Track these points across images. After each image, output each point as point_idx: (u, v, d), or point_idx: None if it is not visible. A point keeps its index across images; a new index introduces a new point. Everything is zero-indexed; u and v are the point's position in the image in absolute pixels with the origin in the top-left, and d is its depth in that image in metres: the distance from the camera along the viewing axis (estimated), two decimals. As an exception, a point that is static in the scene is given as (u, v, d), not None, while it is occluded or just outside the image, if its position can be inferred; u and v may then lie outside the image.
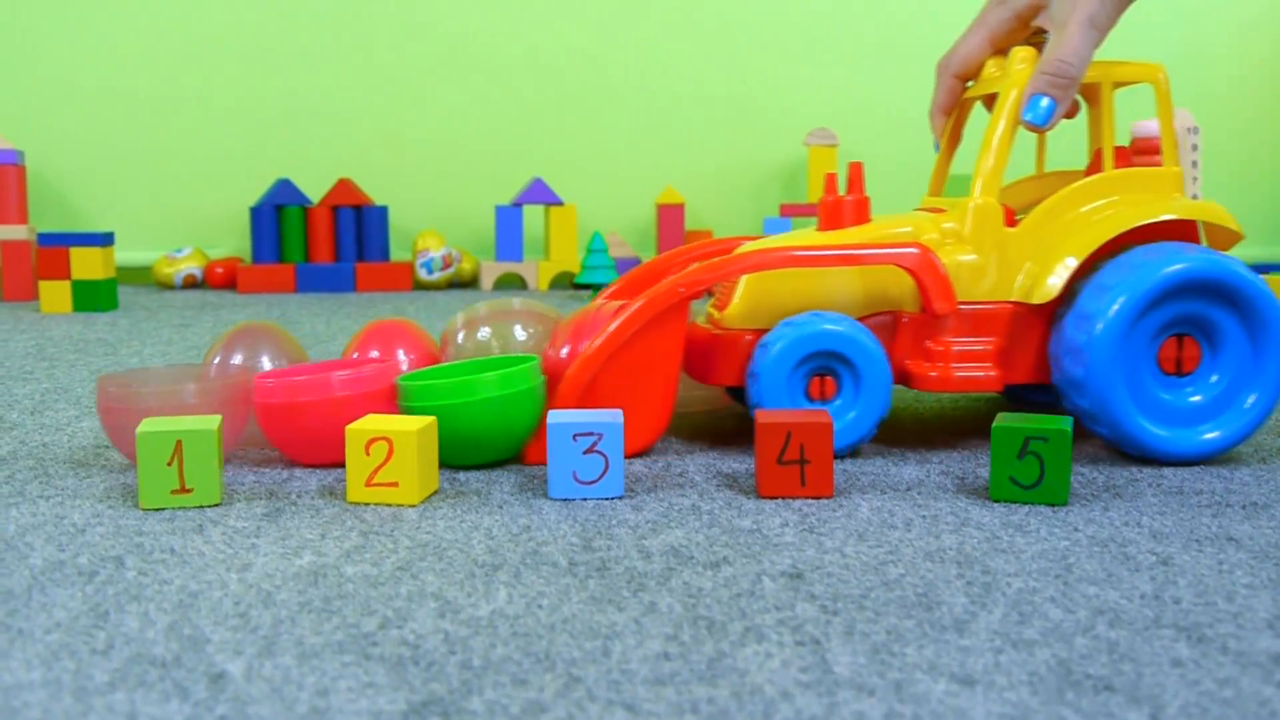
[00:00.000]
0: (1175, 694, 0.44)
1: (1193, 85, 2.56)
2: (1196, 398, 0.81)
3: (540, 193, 2.35)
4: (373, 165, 2.52)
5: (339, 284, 2.32)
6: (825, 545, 0.63)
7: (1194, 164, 1.93)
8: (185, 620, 0.52)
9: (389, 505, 0.71)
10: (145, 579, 0.58)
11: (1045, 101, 0.83)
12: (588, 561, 0.60)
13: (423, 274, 2.35)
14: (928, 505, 0.71)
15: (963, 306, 0.84)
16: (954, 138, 0.97)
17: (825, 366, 0.82)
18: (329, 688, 0.45)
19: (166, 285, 2.39)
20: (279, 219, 2.33)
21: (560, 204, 2.36)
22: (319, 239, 2.34)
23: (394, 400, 0.80)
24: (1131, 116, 2.07)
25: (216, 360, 0.90)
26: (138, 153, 2.52)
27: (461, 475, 0.79)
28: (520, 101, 2.56)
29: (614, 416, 0.73)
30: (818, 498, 0.72)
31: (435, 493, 0.74)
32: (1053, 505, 0.71)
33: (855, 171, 0.90)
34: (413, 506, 0.71)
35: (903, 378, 0.86)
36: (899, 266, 0.83)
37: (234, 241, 2.54)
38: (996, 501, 0.71)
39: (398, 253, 2.53)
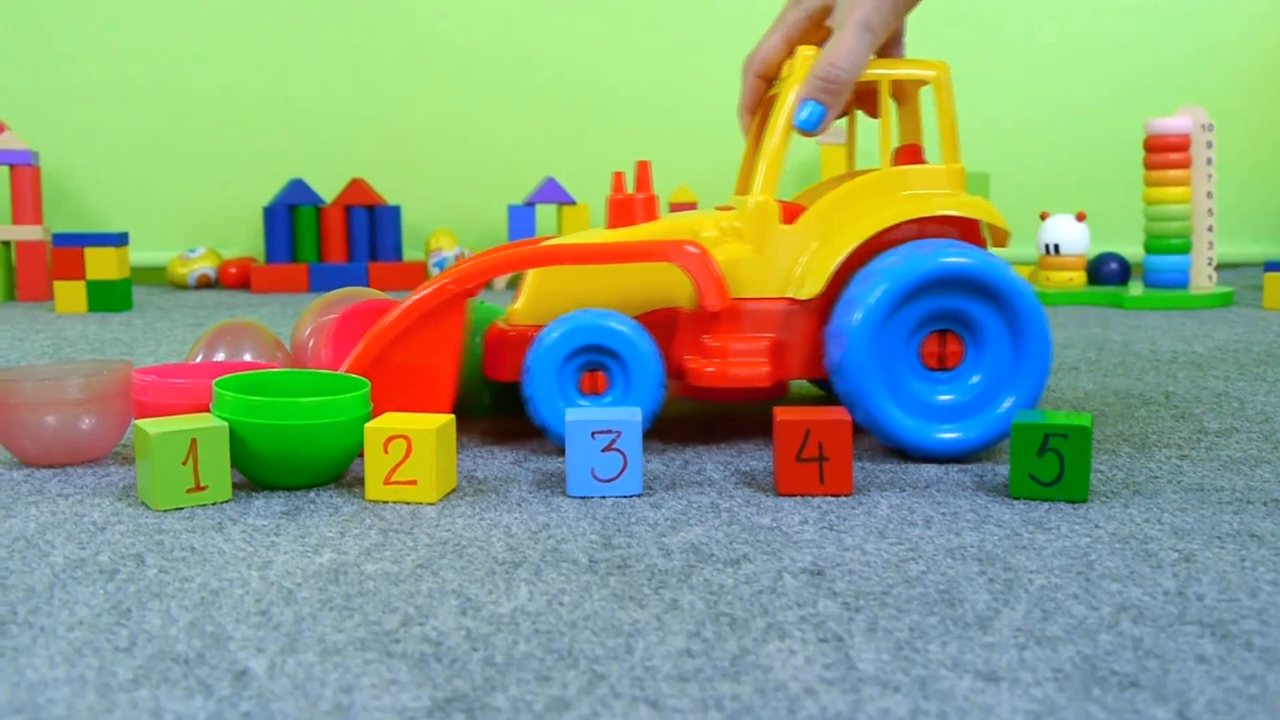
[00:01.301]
0: (1201, 690, 0.44)
1: (1207, 82, 2.56)
2: (948, 396, 0.81)
3: (553, 192, 2.35)
4: (386, 165, 2.53)
5: (352, 284, 2.32)
6: (845, 542, 0.63)
7: (1209, 161, 1.93)
8: (207, 618, 0.52)
9: (407, 503, 0.71)
10: (166, 577, 0.58)
11: (814, 106, 0.83)
12: (608, 559, 0.60)
13: (436, 273, 2.36)
14: (947, 502, 0.71)
15: (739, 303, 0.84)
16: (759, 135, 0.96)
17: (596, 361, 0.82)
18: (352, 684, 0.45)
19: (180, 285, 2.40)
20: (292, 219, 2.34)
21: (573, 203, 2.36)
22: (332, 239, 2.34)
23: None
24: (1148, 114, 2.06)
25: (199, 358, 0.91)
26: (152, 153, 2.53)
27: (479, 473, 0.79)
28: (533, 101, 2.56)
29: (632, 414, 0.73)
30: (836, 495, 0.72)
31: (453, 491, 0.74)
32: (1073, 502, 0.70)
33: (643, 170, 0.90)
34: (431, 504, 0.71)
35: (680, 374, 0.86)
36: (672, 263, 0.84)
37: (247, 241, 2.55)
38: (1016, 499, 0.71)
39: (410, 252, 2.53)
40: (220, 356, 0.91)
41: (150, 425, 0.71)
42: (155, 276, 2.54)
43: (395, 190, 2.51)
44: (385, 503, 0.71)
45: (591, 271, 0.86)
